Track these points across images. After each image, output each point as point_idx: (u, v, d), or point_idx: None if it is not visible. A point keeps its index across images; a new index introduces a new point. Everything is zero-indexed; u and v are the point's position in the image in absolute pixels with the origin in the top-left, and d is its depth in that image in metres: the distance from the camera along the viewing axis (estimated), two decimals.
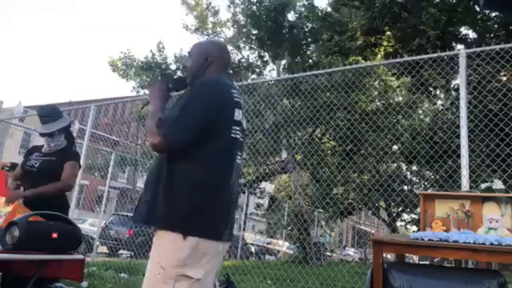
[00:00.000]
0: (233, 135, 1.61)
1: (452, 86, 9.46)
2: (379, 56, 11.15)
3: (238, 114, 1.64)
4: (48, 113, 2.99)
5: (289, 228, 14.17)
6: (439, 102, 11.14)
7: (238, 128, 1.64)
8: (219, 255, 1.59)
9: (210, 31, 17.65)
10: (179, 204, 1.49)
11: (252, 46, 15.90)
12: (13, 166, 3.37)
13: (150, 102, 1.64)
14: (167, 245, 1.47)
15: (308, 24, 14.35)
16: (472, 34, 10.70)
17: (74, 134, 3.15)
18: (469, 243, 1.96)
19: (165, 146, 1.48)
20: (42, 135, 2.95)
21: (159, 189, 1.53)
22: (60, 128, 2.94)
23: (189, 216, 1.48)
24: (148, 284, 1.48)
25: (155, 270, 1.46)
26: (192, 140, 1.50)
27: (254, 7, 14.24)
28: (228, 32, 18.75)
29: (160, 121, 1.50)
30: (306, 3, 14.33)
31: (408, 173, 12.90)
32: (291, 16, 14.78)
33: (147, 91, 1.73)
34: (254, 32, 15.17)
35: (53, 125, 2.92)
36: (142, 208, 1.60)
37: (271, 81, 11.23)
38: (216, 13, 17.42)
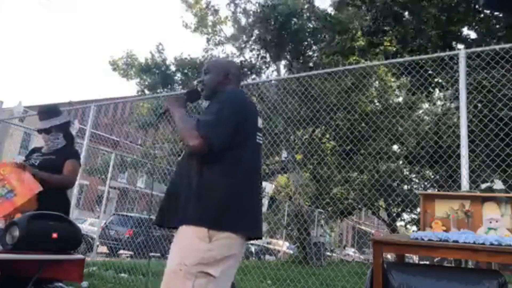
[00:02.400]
0: (257, 141, 1.75)
1: (452, 86, 9.45)
2: (379, 56, 11.16)
3: (260, 122, 1.80)
4: (46, 110, 3.00)
5: (289, 228, 14.18)
6: (439, 102, 11.15)
7: (260, 134, 1.78)
8: (240, 254, 1.63)
9: (210, 30, 17.64)
10: (208, 202, 1.53)
11: (254, 47, 15.89)
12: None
13: (172, 110, 1.73)
14: (191, 242, 1.50)
15: (310, 25, 14.38)
16: (472, 34, 10.71)
17: (74, 134, 3.14)
18: (469, 243, 1.96)
19: (206, 147, 1.54)
20: (39, 131, 2.95)
21: (188, 192, 1.58)
22: (57, 124, 2.93)
23: (219, 214, 1.52)
24: (169, 279, 1.51)
25: (177, 265, 1.49)
26: (229, 140, 1.58)
27: (266, 11, 14.23)
28: (227, 28, 18.71)
29: (197, 123, 1.57)
30: (308, 5, 14.36)
31: (408, 173, 12.90)
32: (296, 19, 14.81)
33: (166, 103, 1.81)
34: (257, 32, 15.18)
35: (50, 121, 2.92)
36: (170, 211, 1.65)
37: (271, 80, 11.23)
38: (216, 12, 17.41)
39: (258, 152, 1.76)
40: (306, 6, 14.62)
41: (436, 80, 8.50)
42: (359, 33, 11.10)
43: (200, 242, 1.49)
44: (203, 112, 1.77)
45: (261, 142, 1.78)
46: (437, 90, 10.20)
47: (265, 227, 17.57)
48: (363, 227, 37.17)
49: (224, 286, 1.57)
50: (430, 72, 7.64)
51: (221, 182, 1.56)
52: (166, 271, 1.54)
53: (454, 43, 9.87)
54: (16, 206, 2.39)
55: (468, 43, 9.75)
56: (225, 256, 1.52)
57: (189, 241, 1.51)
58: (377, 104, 11.80)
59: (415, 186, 13.21)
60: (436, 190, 10.20)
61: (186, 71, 16.43)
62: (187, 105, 1.86)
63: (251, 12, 15.56)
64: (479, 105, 4.60)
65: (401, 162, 11.56)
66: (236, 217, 1.56)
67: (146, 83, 16.60)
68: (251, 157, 1.68)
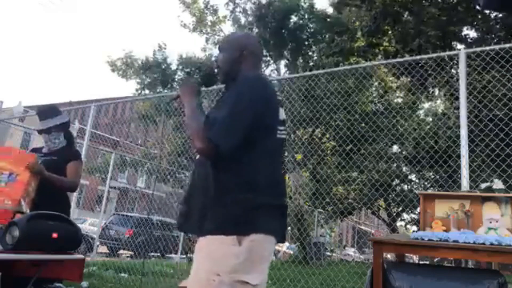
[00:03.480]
0: (279, 135, 1.55)
1: (452, 86, 9.45)
2: (379, 56, 11.16)
3: (282, 113, 1.58)
4: (46, 110, 2.98)
5: (289, 228, 14.17)
6: (439, 102, 11.15)
7: (283, 128, 1.57)
8: (270, 256, 1.51)
9: (209, 29, 17.64)
10: (232, 206, 1.40)
11: None
12: None
13: (184, 101, 1.58)
14: (220, 250, 1.36)
15: (309, 25, 14.39)
16: (472, 34, 10.71)
17: (74, 134, 3.13)
18: (469, 243, 1.96)
19: (212, 152, 1.39)
20: (39, 132, 2.94)
21: (207, 194, 1.45)
22: (57, 124, 2.91)
23: (244, 217, 1.40)
24: None
25: (208, 277, 1.34)
26: (241, 142, 1.41)
27: (263, 10, 14.23)
28: (226, 28, 18.73)
29: (205, 123, 1.43)
30: (306, 5, 14.36)
31: (408, 173, 12.90)
32: (295, 17, 14.80)
33: (178, 91, 1.66)
34: (256, 31, 15.17)
35: (50, 121, 2.91)
36: (190, 216, 1.50)
37: (271, 80, 11.22)
38: (215, 11, 17.42)
39: (280, 148, 1.57)
40: (305, 5, 14.62)
41: (436, 80, 8.50)
42: (359, 33, 11.10)
43: (229, 248, 1.35)
44: (216, 105, 1.59)
45: (283, 137, 1.57)
46: (437, 90, 10.20)
47: None
48: (363, 227, 37.19)
49: None
50: (430, 72, 7.63)
51: (242, 184, 1.42)
52: (192, 283, 1.40)
53: (454, 43, 9.87)
54: (26, 182, 2.41)
55: (467, 43, 9.76)
56: (258, 260, 1.40)
57: (217, 249, 1.37)
58: (377, 104, 11.80)
59: (415, 186, 13.21)
60: (436, 190, 10.20)
61: (188, 70, 16.43)
62: (203, 91, 1.67)
63: (249, 11, 15.56)
64: (479, 105, 4.60)
65: (401, 162, 11.56)
66: (263, 220, 1.42)
67: (146, 82, 16.60)
68: (272, 154, 1.50)
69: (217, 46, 1.71)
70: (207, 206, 1.43)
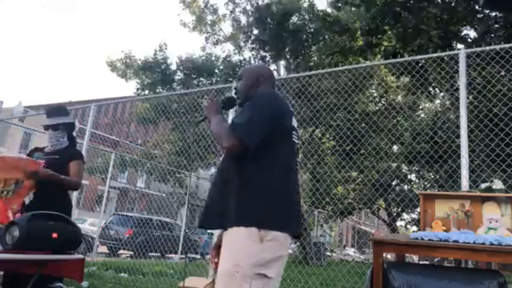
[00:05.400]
0: (293, 139, 1.75)
1: (452, 86, 9.46)
2: (379, 56, 11.15)
3: (294, 122, 1.80)
4: (55, 108, 3.06)
5: None
6: (439, 102, 11.15)
7: (295, 134, 1.78)
8: (287, 253, 1.64)
9: (208, 28, 17.64)
10: (254, 202, 1.55)
11: (254, 46, 15.91)
12: None
13: (209, 114, 1.78)
14: (244, 244, 1.50)
15: (310, 25, 14.39)
16: (472, 34, 10.70)
17: (74, 134, 3.14)
18: (469, 243, 1.96)
19: (240, 147, 1.56)
20: (46, 127, 2.95)
21: (229, 193, 1.60)
22: (65, 123, 2.96)
23: (266, 213, 1.54)
24: (225, 282, 1.50)
25: (232, 268, 1.48)
26: (262, 141, 1.58)
27: (262, 10, 14.24)
28: (226, 27, 18.81)
29: (231, 125, 1.61)
30: (306, 4, 14.36)
31: (408, 172, 12.90)
32: (294, 18, 14.80)
33: (205, 105, 1.86)
34: (256, 32, 15.18)
35: (59, 119, 2.96)
36: (212, 214, 1.65)
37: None
38: (215, 11, 17.42)
39: (294, 151, 1.76)
40: (305, 5, 14.62)
41: (436, 80, 8.50)
42: (358, 33, 11.10)
43: (253, 243, 1.50)
44: (237, 115, 1.78)
45: (296, 141, 1.78)
46: (437, 90, 10.20)
47: None
48: (363, 227, 37.19)
49: (276, 287, 1.58)
50: (430, 72, 7.64)
51: (261, 182, 1.59)
52: (220, 274, 1.53)
53: (454, 42, 9.87)
54: (30, 186, 2.48)
55: (468, 42, 9.75)
56: (277, 256, 1.54)
57: (241, 243, 1.51)
58: (378, 104, 11.81)
59: (415, 186, 13.21)
60: (436, 190, 10.20)
61: (187, 71, 16.43)
62: (224, 112, 1.89)
63: (249, 13, 15.57)
64: (479, 105, 4.60)
65: (401, 162, 11.56)
66: (282, 216, 1.58)
67: (145, 82, 16.60)
68: (287, 156, 1.68)
69: (237, 75, 1.97)
70: (228, 202, 1.58)
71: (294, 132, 1.77)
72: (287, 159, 1.68)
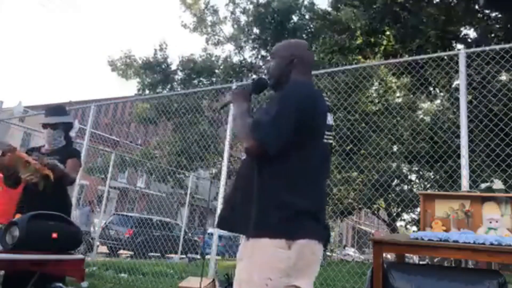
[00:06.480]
0: (325, 140, 1.57)
1: (452, 86, 9.46)
2: (379, 56, 11.15)
3: (330, 118, 1.61)
4: (55, 107, 3.09)
5: None
6: (439, 102, 11.15)
7: (330, 133, 1.60)
8: (319, 261, 1.51)
9: (209, 29, 17.65)
10: (280, 210, 1.41)
11: (254, 45, 15.92)
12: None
13: (234, 104, 1.62)
14: (271, 254, 1.37)
15: (311, 24, 14.41)
16: (472, 34, 10.71)
17: (73, 134, 3.15)
18: (469, 243, 1.96)
19: (260, 150, 1.42)
20: (45, 126, 2.96)
21: (252, 195, 1.46)
22: (64, 122, 2.98)
23: (291, 221, 1.40)
24: None
25: (261, 281, 1.36)
26: (286, 143, 1.42)
27: (262, 9, 14.24)
28: (226, 28, 18.88)
29: (253, 124, 1.46)
30: (307, 3, 14.37)
31: (408, 172, 12.90)
32: (295, 17, 14.81)
33: (229, 95, 1.70)
34: (256, 31, 15.18)
35: (58, 118, 2.98)
36: (234, 216, 1.52)
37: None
38: (215, 12, 17.43)
39: (326, 153, 1.58)
40: (305, 4, 14.62)
41: (436, 80, 8.50)
42: (358, 32, 11.10)
43: (280, 252, 1.37)
44: (264, 108, 1.63)
45: (330, 141, 1.61)
46: (437, 90, 10.20)
47: None
48: (363, 227, 37.21)
49: None
50: (430, 72, 7.63)
51: (286, 187, 1.43)
52: (245, 286, 1.41)
53: (453, 43, 9.87)
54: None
55: (467, 43, 9.76)
56: (307, 265, 1.42)
57: (269, 254, 1.37)
58: (378, 104, 11.80)
59: (415, 186, 13.21)
60: (436, 190, 10.20)
61: (188, 70, 16.43)
62: (253, 97, 1.70)
63: (250, 12, 15.58)
64: (479, 105, 4.60)
65: (401, 162, 11.56)
66: (311, 224, 1.44)
67: (146, 82, 16.61)
68: (317, 159, 1.51)
69: (270, 53, 1.73)
70: (253, 206, 1.44)
71: (327, 132, 1.58)
72: (317, 162, 1.51)
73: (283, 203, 1.41)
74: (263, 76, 1.77)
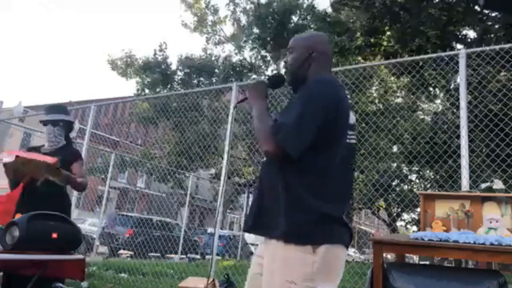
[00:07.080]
0: (348, 140, 1.51)
1: (452, 86, 9.46)
2: (379, 56, 11.15)
3: (352, 117, 1.55)
4: (56, 106, 3.11)
5: None
6: (439, 102, 11.15)
7: (352, 133, 1.54)
8: (343, 265, 1.48)
9: (209, 29, 17.66)
10: (304, 214, 1.37)
11: (254, 46, 15.93)
12: None
13: (252, 103, 1.54)
14: (295, 258, 1.35)
15: (311, 25, 14.42)
16: (472, 34, 10.71)
17: (74, 134, 3.15)
18: (469, 243, 1.96)
19: (280, 155, 1.37)
20: (45, 123, 2.95)
21: (275, 197, 1.43)
22: (65, 120, 2.98)
23: (316, 225, 1.37)
24: None
25: (283, 285, 1.34)
26: (309, 146, 1.38)
27: (262, 10, 14.26)
28: (227, 28, 18.88)
29: (273, 126, 1.40)
30: (307, 3, 14.38)
31: (408, 173, 12.90)
32: (295, 17, 14.82)
33: (246, 92, 1.61)
34: (256, 31, 15.18)
35: (59, 115, 2.98)
36: (258, 217, 1.49)
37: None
38: (215, 11, 17.44)
39: (349, 154, 1.53)
40: (304, 6, 14.63)
41: (436, 80, 8.51)
42: (358, 33, 11.10)
43: (304, 256, 1.35)
44: (285, 109, 1.57)
45: (353, 141, 1.54)
46: (437, 90, 10.20)
47: None
48: (363, 227, 37.19)
49: None
50: (430, 72, 7.64)
51: (309, 190, 1.39)
52: None
53: (453, 43, 9.87)
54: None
55: (467, 43, 9.76)
56: (331, 269, 1.40)
57: (290, 258, 1.35)
58: (378, 104, 11.80)
59: (415, 186, 13.21)
60: (436, 190, 10.20)
61: (188, 70, 16.43)
62: (270, 92, 1.64)
63: (250, 12, 15.59)
64: (479, 105, 4.60)
65: (401, 162, 11.56)
66: (335, 228, 1.41)
67: (146, 82, 16.61)
68: (340, 159, 1.46)
69: (288, 46, 1.65)
70: (278, 210, 1.41)
71: (350, 132, 1.52)
72: (340, 164, 1.46)
73: (307, 206, 1.38)
74: (280, 72, 1.70)
